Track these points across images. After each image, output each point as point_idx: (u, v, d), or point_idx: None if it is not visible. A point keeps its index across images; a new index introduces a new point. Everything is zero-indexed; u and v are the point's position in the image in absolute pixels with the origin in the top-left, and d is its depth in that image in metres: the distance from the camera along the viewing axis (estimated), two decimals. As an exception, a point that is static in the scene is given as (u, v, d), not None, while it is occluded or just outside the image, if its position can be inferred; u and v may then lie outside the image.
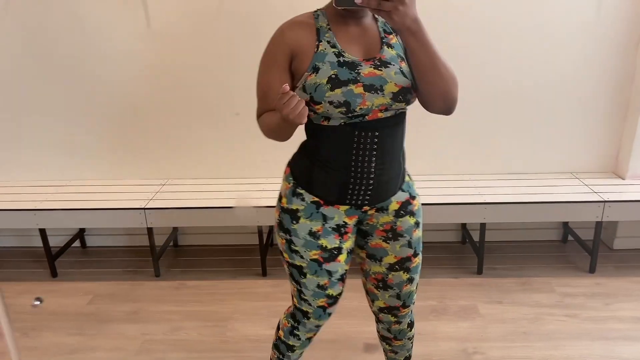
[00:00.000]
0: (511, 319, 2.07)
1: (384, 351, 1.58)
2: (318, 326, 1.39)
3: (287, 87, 1.02)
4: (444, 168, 2.52)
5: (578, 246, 2.54)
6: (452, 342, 1.95)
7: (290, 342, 1.43)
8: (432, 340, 1.96)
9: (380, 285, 1.34)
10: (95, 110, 2.45)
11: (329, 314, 1.36)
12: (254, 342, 1.98)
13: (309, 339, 1.44)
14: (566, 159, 2.49)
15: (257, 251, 2.52)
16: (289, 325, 1.41)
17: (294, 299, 1.37)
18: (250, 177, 2.54)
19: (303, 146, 1.27)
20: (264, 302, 2.23)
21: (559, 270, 2.41)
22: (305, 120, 1.04)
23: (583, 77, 2.35)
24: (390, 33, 1.18)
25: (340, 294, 1.33)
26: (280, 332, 1.45)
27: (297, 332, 1.40)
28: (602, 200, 2.23)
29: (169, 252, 2.67)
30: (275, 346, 1.48)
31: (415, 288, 1.36)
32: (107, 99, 2.43)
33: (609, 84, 2.36)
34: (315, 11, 1.18)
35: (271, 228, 2.65)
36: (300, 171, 1.25)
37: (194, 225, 2.49)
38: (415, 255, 1.32)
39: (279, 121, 1.11)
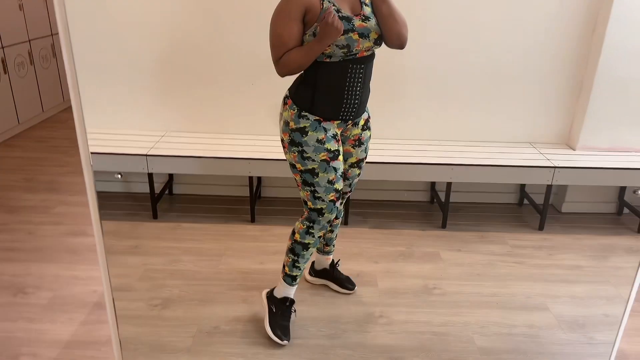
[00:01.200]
0: (467, 263, 2.39)
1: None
2: (329, 221, 1.75)
3: (332, 8, 1.48)
4: (418, 133, 2.81)
5: (531, 208, 2.88)
6: (416, 279, 2.26)
7: (307, 241, 1.77)
8: (399, 277, 2.27)
9: (341, 176, 1.75)
10: (106, 67, 2.64)
11: (337, 208, 1.75)
12: (244, 274, 2.26)
13: (320, 237, 1.80)
14: (525, 129, 2.81)
15: (246, 201, 2.78)
16: (305, 227, 1.76)
17: (308, 203, 1.73)
18: (243, 133, 2.78)
19: (303, 81, 1.63)
20: (253, 243, 2.51)
21: (512, 227, 2.74)
22: (342, 31, 1.48)
23: (544, 57, 2.65)
24: None
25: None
26: (296, 235, 1.79)
27: (312, 231, 1.76)
28: (553, 166, 2.56)
29: (164, 199, 2.91)
30: (291, 250, 1.81)
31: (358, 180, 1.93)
32: (116, 56, 2.62)
33: (566, 65, 2.67)
34: None
35: (259, 179, 2.91)
36: (303, 99, 1.62)
37: (189, 172, 2.73)
38: (366, 157, 1.87)
39: (313, 45, 1.47)
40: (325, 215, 1.74)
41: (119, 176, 2.46)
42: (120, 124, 2.78)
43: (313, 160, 1.66)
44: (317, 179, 1.68)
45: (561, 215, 2.89)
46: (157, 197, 2.75)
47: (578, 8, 2.56)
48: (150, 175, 2.62)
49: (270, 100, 2.59)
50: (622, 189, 2.87)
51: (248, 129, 2.77)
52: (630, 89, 2.65)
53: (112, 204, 2.85)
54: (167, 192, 2.94)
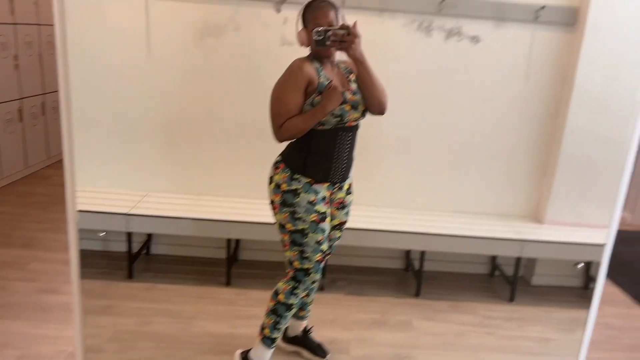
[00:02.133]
0: (439, 332, 2.42)
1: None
2: (314, 282, 1.82)
3: (334, 82, 1.68)
4: (394, 201, 2.91)
5: (502, 280, 2.94)
6: (389, 347, 2.27)
7: (290, 301, 1.82)
8: (372, 345, 2.28)
9: (327, 238, 1.85)
10: (90, 126, 2.73)
11: (322, 269, 1.85)
12: (217, 338, 2.24)
13: (302, 298, 1.86)
14: (496, 203, 2.93)
15: (223, 264, 2.80)
16: (290, 287, 1.82)
17: (295, 263, 1.79)
18: (223, 195, 2.85)
19: (296, 147, 1.76)
20: (227, 307, 2.51)
21: (484, 297, 2.79)
22: (342, 101, 1.68)
23: (512, 136, 2.82)
24: (351, 73, 1.74)
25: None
26: (280, 296, 1.83)
27: (297, 291, 1.82)
28: (522, 239, 2.66)
29: (141, 258, 2.91)
30: (273, 311, 1.84)
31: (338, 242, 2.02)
32: (99, 116, 2.72)
33: (534, 143, 2.84)
34: (308, 56, 1.71)
35: (237, 241, 2.94)
36: (296, 162, 1.74)
37: (169, 232, 2.76)
38: (347, 221, 1.98)
39: (316, 112, 1.68)
40: (312, 275, 1.81)
41: (104, 233, 2.50)
42: (102, 182, 2.83)
43: (304, 221, 1.75)
44: (306, 239, 1.77)
45: (531, 287, 2.96)
46: (134, 256, 2.75)
47: (542, 93, 2.77)
48: (129, 235, 2.65)
49: (253, 164, 2.68)
50: (587, 264, 2.97)
51: (229, 191, 2.84)
52: (592, 169, 2.82)
53: (88, 262, 2.83)
54: (144, 251, 2.95)
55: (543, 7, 2.59)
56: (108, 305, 2.43)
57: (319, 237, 1.78)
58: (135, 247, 2.83)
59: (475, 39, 2.62)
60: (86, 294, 2.51)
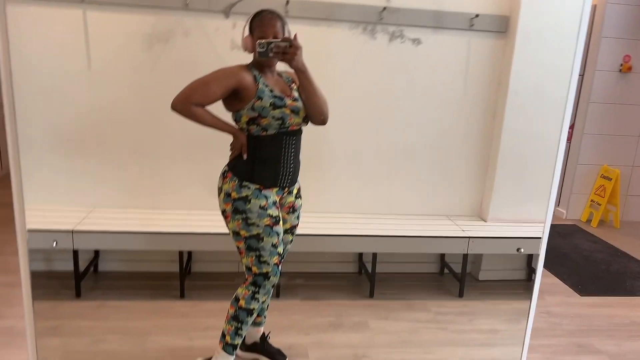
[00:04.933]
0: (394, 331, 2.48)
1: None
2: (273, 285, 1.83)
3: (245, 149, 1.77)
4: (344, 206, 2.97)
5: (451, 277, 3.06)
6: (345, 349, 2.31)
7: (251, 306, 1.83)
8: (329, 348, 2.31)
9: (282, 241, 1.88)
10: (31, 140, 2.63)
11: (279, 272, 1.86)
12: (174, 351, 2.20)
13: (263, 302, 1.85)
14: (442, 203, 3.05)
15: (175, 277, 2.75)
16: (250, 292, 1.82)
17: (253, 269, 1.80)
18: (173, 208, 2.81)
19: (241, 155, 1.78)
20: (183, 319, 2.46)
21: (435, 295, 2.89)
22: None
23: (455, 139, 2.95)
24: (292, 82, 1.85)
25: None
26: (241, 301, 1.83)
27: (257, 296, 1.82)
28: (467, 236, 2.78)
29: (89, 276, 2.81)
30: (234, 317, 1.84)
31: (290, 246, 2.04)
32: (42, 129, 2.62)
33: (474, 147, 2.99)
34: (248, 65, 1.75)
35: (190, 254, 2.90)
36: (243, 170, 1.76)
37: (117, 248, 2.68)
38: (298, 224, 2.01)
39: (223, 125, 1.75)
40: (271, 278, 1.82)
41: (56, 243, 2.40)
42: (46, 199, 2.72)
43: (257, 226, 1.77)
44: (262, 244, 1.79)
45: (478, 282, 3.09)
46: (81, 275, 2.66)
47: (480, 95, 2.92)
48: (75, 252, 2.55)
49: (202, 175, 2.67)
50: (530, 257, 3.14)
51: (178, 204, 2.80)
52: (529, 167, 2.99)
53: (33, 282, 2.70)
54: (91, 269, 2.85)
55: (477, 16, 2.74)
56: (56, 325, 2.33)
57: (275, 240, 1.80)
58: (82, 265, 2.73)
59: (416, 41, 2.73)
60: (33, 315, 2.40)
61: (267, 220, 1.78)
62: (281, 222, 1.84)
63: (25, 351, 2.14)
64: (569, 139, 4.46)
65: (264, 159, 1.78)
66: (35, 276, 2.80)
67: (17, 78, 2.56)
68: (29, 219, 2.53)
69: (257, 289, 1.83)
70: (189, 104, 1.70)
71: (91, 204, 2.76)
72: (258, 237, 1.78)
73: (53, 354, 2.13)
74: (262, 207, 1.78)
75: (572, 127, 4.44)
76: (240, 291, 1.85)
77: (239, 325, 1.85)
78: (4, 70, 1.19)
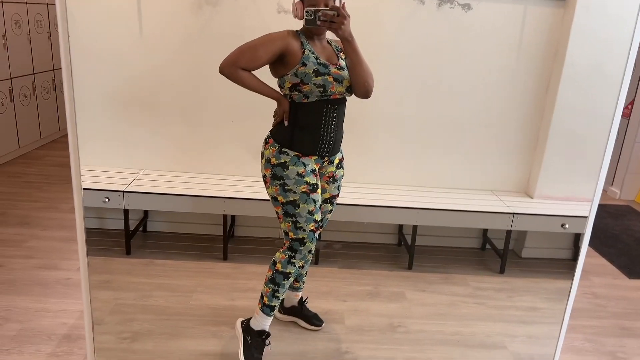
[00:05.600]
0: (431, 303, 2.49)
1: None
2: (310, 251, 1.87)
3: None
4: (387, 178, 2.95)
5: (493, 253, 3.02)
6: (382, 317, 2.34)
7: (288, 270, 1.88)
8: (366, 315, 2.35)
9: (319, 209, 1.90)
10: (85, 104, 2.74)
11: (317, 238, 1.88)
12: (215, 310, 2.30)
13: (300, 268, 1.90)
14: (487, 178, 2.99)
15: (219, 240, 2.84)
16: (287, 256, 1.87)
17: (290, 234, 1.85)
18: (219, 173, 2.88)
19: (283, 121, 1.80)
20: (225, 280, 2.56)
21: (475, 270, 2.86)
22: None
23: (504, 112, 2.86)
24: (341, 51, 1.79)
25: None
26: (278, 265, 1.88)
27: (294, 260, 1.87)
28: (512, 212, 2.72)
29: (138, 235, 2.95)
30: (271, 280, 1.90)
31: (330, 216, 2.05)
32: (94, 94, 2.72)
33: (524, 121, 2.89)
34: (297, 31, 1.76)
35: (233, 218, 2.98)
36: (283, 137, 1.78)
37: (164, 209, 2.79)
38: (338, 195, 2.02)
39: (269, 90, 1.77)
40: (307, 244, 1.85)
41: (107, 199, 2.53)
42: (97, 160, 2.84)
43: (294, 193, 1.80)
44: (298, 210, 1.81)
45: (521, 260, 3.03)
46: (131, 233, 2.79)
47: (534, 69, 2.80)
48: (125, 212, 2.68)
49: (247, 140, 2.71)
50: (577, 236, 3.04)
51: (224, 168, 2.87)
52: (581, 144, 2.87)
53: (86, 239, 2.87)
54: (141, 229, 2.98)
55: (534, -17, 2.61)
56: (107, 280, 2.47)
57: (311, 207, 1.82)
58: (132, 225, 2.87)
59: (466, 7, 2.63)
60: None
61: (303, 187, 1.81)
62: (319, 190, 1.86)
63: (80, 301, 2.29)
64: (628, 115, 4.23)
65: (304, 126, 1.79)
66: (88, 233, 2.96)
67: (72, 42, 2.65)
68: (83, 178, 2.67)
69: (293, 254, 1.87)
70: (235, 67, 1.72)
71: (141, 166, 2.86)
72: (294, 204, 1.81)
73: (104, 305, 2.26)
74: (299, 174, 1.80)
75: (632, 103, 4.20)
76: (278, 255, 1.90)
77: (276, 288, 1.90)
78: (62, 35, 1.24)
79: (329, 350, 2.08)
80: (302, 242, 1.85)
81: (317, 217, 1.86)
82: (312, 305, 2.30)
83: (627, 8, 2.57)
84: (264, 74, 1.79)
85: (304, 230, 1.84)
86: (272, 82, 1.81)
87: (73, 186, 1.19)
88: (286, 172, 1.80)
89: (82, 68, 2.68)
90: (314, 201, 1.83)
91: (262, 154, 1.86)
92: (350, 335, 2.19)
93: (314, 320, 2.20)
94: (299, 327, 2.21)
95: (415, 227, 2.75)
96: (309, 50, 1.73)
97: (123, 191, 2.59)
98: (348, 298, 2.47)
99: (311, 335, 2.17)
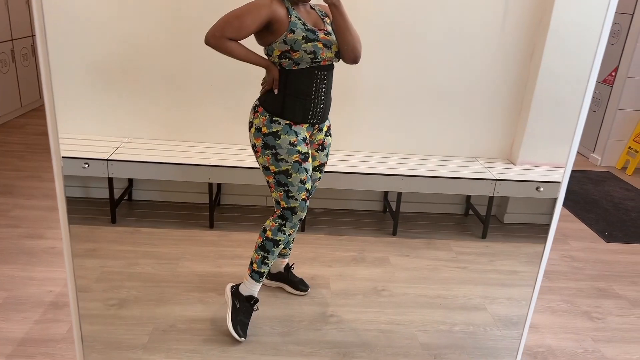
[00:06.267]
0: (414, 267, 2.54)
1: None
2: (300, 219, 1.89)
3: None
4: (371, 145, 2.97)
5: (476, 219, 3.07)
6: (366, 282, 2.39)
7: (278, 238, 1.90)
8: (350, 280, 2.39)
9: (310, 177, 1.90)
10: (66, 71, 2.68)
11: (307, 207, 1.89)
12: (202, 277, 2.33)
13: (289, 235, 1.92)
14: (471, 145, 3.01)
15: (205, 208, 2.85)
16: (277, 224, 1.89)
17: (282, 203, 1.86)
18: (204, 141, 2.86)
19: (272, 89, 1.79)
20: (211, 248, 2.58)
21: (458, 235, 2.92)
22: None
23: (488, 80, 2.87)
24: (325, 16, 1.79)
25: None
26: (268, 232, 1.90)
27: (284, 228, 1.89)
28: (495, 178, 2.76)
29: (123, 204, 2.94)
30: (261, 247, 1.92)
31: (318, 183, 2.07)
32: (76, 60, 2.67)
33: (508, 88, 2.90)
34: None
35: (219, 186, 2.99)
36: (274, 105, 1.78)
37: (149, 178, 2.77)
38: (326, 162, 2.04)
39: (256, 57, 1.74)
40: (298, 213, 1.87)
41: (87, 165, 2.51)
42: (80, 129, 2.81)
43: (287, 162, 1.81)
44: (290, 179, 1.83)
45: (503, 225, 3.10)
46: (116, 202, 2.79)
47: (518, 36, 2.79)
48: (110, 180, 2.67)
49: (233, 109, 2.70)
50: (555, 201, 3.10)
51: (209, 136, 2.86)
52: (563, 110, 2.90)
53: (70, 208, 2.85)
54: (126, 197, 2.98)
55: (521, -54, 2.58)
56: (93, 248, 2.48)
57: (303, 176, 1.84)
58: (117, 194, 2.86)
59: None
60: (71, 238, 2.55)
61: (296, 157, 1.81)
62: (310, 158, 1.87)
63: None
64: (611, 82, 4.26)
65: (294, 93, 1.78)
66: (73, 202, 2.95)
67: (50, 8, 2.58)
68: (65, 147, 2.64)
69: (284, 222, 1.89)
70: (222, 38, 1.68)
71: (124, 134, 2.84)
72: (287, 173, 1.82)
73: (91, 273, 2.28)
74: (291, 143, 1.80)
75: (615, 69, 4.23)
76: (268, 223, 1.92)
77: (266, 254, 1.93)
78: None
79: (315, 314, 2.13)
80: (293, 210, 1.87)
81: (308, 185, 1.87)
82: (298, 271, 2.34)
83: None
84: (249, 42, 1.77)
85: (296, 199, 1.85)
86: (258, 50, 1.79)
87: (52, 154, 1.18)
88: (278, 142, 1.79)
89: (62, 35, 2.62)
90: (306, 170, 1.84)
91: (251, 122, 1.84)
92: (336, 299, 2.23)
93: (300, 285, 2.24)
94: (285, 292, 2.25)
95: (399, 194, 2.78)
96: (296, 17, 1.70)
97: (107, 159, 2.57)
98: (334, 264, 2.52)
99: (297, 300, 2.21)
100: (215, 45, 1.70)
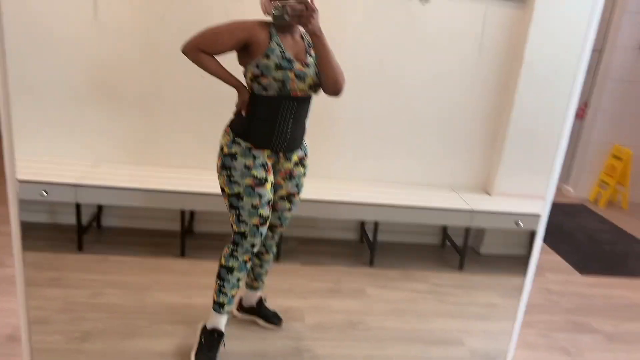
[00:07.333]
0: (391, 299, 2.49)
1: (251, 269, 2.09)
2: (253, 245, 1.82)
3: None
4: (347, 174, 2.94)
5: (452, 249, 3.05)
6: (342, 314, 2.33)
7: (230, 264, 1.83)
8: (326, 312, 2.33)
9: (267, 204, 1.84)
10: (34, 91, 2.60)
11: (261, 234, 1.83)
12: (171, 308, 2.23)
13: (245, 262, 1.84)
14: (447, 175, 3.01)
15: (177, 235, 2.76)
16: (229, 250, 1.83)
17: (234, 227, 1.80)
18: (176, 166, 2.79)
19: (241, 111, 1.77)
20: (182, 277, 2.49)
21: (435, 266, 2.89)
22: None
23: (464, 111, 2.89)
24: (311, 46, 1.72)
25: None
26: (222, 259, 1.84)
27: (236, 254, 1.83)
28: (471, 209, 2.75)
29: (92, 231, 2.83)
30: (218, 275, 1.86)
31: (290, 216, 1.99)
32: (46, 80, 2.59)
33: (484, 119, 2.92)
34: (268, 22, 1.71)
35: (192, 213, 2.91)
36: (239, 127, 1.75)
37: (120, 204, 2.69)
38: (298, 193, 1.96)
39: (228, 77, 1.73)
40: (248, 238, 1.81)
41: (45, 193, 2.40)
42: (48, 151, 2.71)
43: (239, 185, 1.76)
44: (241, 203, 1.78)
45: (480, 256, 3.08)
46: (84, 228, 2.68)
47: (494, 68, 2.84)
48: (78, 206, 2.57)
49: (206, 133, 2.64)
50: (533, 233, 3.11)
51: (182, 161, 2.79)
52: (539, 142, 2.93)
53: (35, 234, 2.74)
54: (95, 223, 2.87)
55: (496, -17, 2.64)
56: (57, 277, 2.36)
57: (255, 201, 1.78)
58: (85, 220, 2.75)
59: (425, 0, 2.64)
60: (33, 266, 2.43)
61: (249, 180, 1.76)
62: (268, 185, 1.80)
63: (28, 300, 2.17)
64: (583, 116, 4.36)
65: (260, 118, 1.75)
66: (38, 228, 2.83)
67: (19, 27, 2.51)
68: (32, 170, 2.54)
69: (235, 247, 1.83)
70: (197, 49, 1.68)
71: (94, 158, 2.75)
72: (238, 196, 1.77)
73: (53, 303, 2.16)
74: (246, 166, 1.76)
75: (585, 104, 4.34)
76: (224, 249, 1.86)
77: (222, 283, 1.86)
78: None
79: (288, 348, 2.05)
80: (243, 235, 1.81)
81: (263, 212, 1.80)
82: (272, 303, 2.26)
83: (585, 8, 2.64)
84: (230, 62, 1.74)
85: (247, 224, 1.79)
86: (238, 70, 1.76)
87: (7, 177, 1.12)
88: (234, 163, 1.76)
89: (30, 52, 2.55)
90: (260, 195, 1.78)
91: (220, 143, 1.82)
92: (310, 333, 2.16)
93: (273, 318, 2.17)
94: (258, 326, 2.17)
95: (376, 224, 2.75)
96: (276, 43, 1.68)
97: (75, 185, 2.48)
98: (309, 295, 2.45)
99: (270, 333, 2.13)
100: (188, 54, 1.70)
